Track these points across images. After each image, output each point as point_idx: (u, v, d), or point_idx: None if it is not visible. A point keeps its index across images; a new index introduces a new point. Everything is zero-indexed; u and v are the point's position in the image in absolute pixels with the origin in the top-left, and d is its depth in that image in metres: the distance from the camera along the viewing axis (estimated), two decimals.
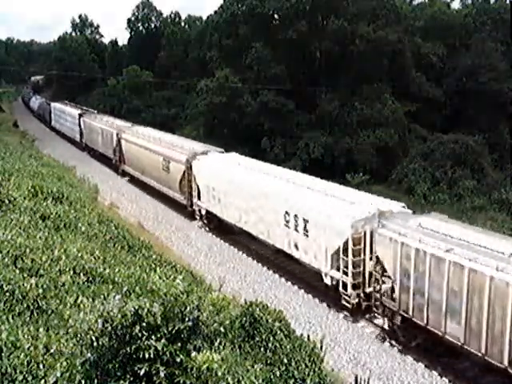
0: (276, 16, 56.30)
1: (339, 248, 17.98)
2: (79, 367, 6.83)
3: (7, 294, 9.63)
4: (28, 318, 9.24)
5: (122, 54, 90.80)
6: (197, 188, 28.08)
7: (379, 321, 17.53)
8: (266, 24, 55.34)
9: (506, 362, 12.76)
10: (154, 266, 15.12)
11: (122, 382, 6.52)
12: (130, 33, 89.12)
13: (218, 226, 27.18)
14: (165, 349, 6.61)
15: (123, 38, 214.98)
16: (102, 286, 11.37)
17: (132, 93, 73.25)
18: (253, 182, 23.74)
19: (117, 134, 40.19)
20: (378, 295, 16.91)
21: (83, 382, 6.71)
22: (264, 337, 10.67)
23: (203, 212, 27.89)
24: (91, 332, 6.76)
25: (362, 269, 17.60)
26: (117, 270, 12.66)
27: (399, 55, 51.31)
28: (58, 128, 63.74)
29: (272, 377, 9.84)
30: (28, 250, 12.02)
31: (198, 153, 29.24)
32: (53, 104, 68.13)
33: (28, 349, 7.77)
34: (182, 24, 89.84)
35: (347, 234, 17.52)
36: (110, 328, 6.73)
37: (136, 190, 36.86)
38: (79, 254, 12.93)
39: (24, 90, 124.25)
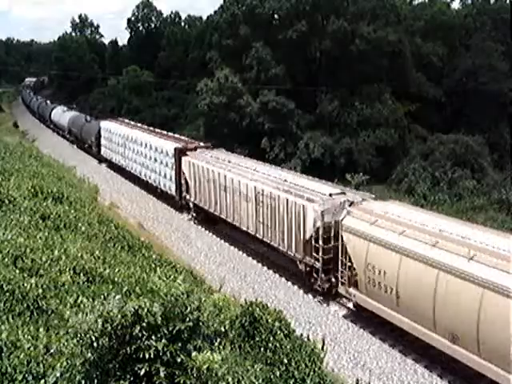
0: (276, 16, 56.30)
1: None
2: (79, 367, 6.83)
3: (7, 293, 9.63)
4: (28, 318, 9.23)
5: (122, 54, 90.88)
6: None
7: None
8: (266, 24, 55.33)
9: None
10: (154, 266, 15.14)
11: (122, 381, 6.52)
12: (130, 33, 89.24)
13: None
14: (165, 349, 6.61)
15: (123, 38, 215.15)
16: (102, 286, 11.36)
17: (132, 93, 73.28)
18: None
19: (336, 223, 18.50)
20: None
21: (83, 382, 6.71)
22: (264, 337, 10.67)
23: None
24: (91, 332, 6.75)
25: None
26: (117, 270, 12.67)
27: (399, 55, 51.29)
28: (117, 162, 42.23)
29: (272, 377, 9.84)
30: (28, 250, 12.02)
31: None
32: (103, 124, 46.08)
33: (28, 349, 7.77)
34: (182, 24, 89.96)
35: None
36: (109, 328, 6.72)
37: None
38: (79, 254, 12.93)
39: (33, 99, 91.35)
